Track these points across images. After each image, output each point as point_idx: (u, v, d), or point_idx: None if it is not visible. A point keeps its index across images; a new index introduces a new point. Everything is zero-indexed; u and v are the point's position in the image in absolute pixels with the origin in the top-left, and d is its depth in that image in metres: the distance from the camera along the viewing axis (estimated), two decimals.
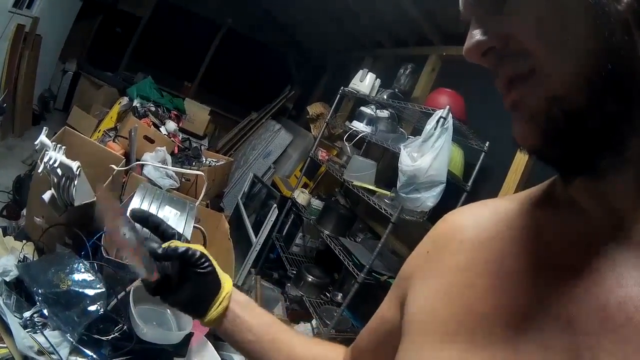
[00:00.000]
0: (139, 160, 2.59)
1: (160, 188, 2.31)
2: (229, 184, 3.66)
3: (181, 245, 0.58)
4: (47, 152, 1.27)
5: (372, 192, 2.16)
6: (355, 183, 2.23)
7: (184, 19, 5.45)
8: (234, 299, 0.59)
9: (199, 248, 0.59)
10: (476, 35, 0.34)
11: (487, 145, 1.97)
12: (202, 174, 2.32)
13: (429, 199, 1.75)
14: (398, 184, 1.82)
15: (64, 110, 4.70)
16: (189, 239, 1.66)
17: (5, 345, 1.15)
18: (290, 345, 0.60)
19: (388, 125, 2.47)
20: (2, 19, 3.15)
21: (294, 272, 2.77)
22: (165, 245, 0.58)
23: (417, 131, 2.32)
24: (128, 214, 0.60)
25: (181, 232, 1.60)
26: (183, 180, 2.46)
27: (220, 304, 0.57)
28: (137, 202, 1.54)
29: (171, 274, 0.57)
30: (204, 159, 2.66)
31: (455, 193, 1.95)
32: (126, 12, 5.19)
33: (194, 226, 1.63)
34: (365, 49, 3.78)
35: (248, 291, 2.68)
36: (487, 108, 1.70)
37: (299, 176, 3.15)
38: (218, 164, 2.67)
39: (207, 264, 0.57)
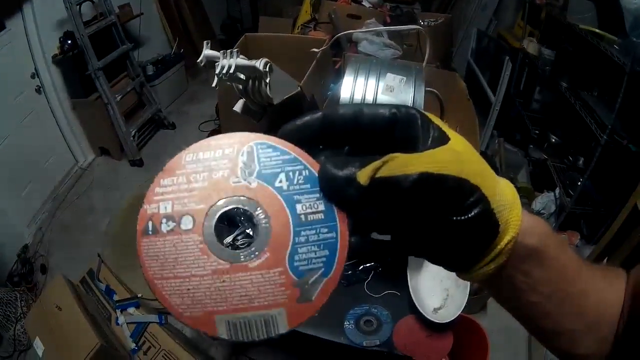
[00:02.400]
0: (351, 40, 2.48)
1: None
2: (455, 43, 3.39)
3: (415, 162, 0.26)
4: (217, 64, 1.17)
5: (600, 37, 1.94)
6: (581, 26, 2.05)
7: None
8: (521, 245, 0.30)
9: (454, 157, 0.27)
10: None
11: None
12: (420, 27, 2.09)
13: None
14: (626, 26, 1.62)
15: (254, 26, 4.98)
16: (421, 106, 1.47)
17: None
18: (580, 301, 0.34)
19: None
20: None
21: (537, 132, 2.52)
22: (372, 167, 0.26)
23: None
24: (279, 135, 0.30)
25: (410, 100, 1.42)
26: (404, 46, 2.27)
27: (492, 260, 0.30)
28: (349, 82, 1.41)
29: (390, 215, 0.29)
30: (420, 22, 2.42)
31: None
32: None
33: (425, 90, 1.42)
34: None
35: (492, 155, 2.51)
36: None
37: (522, 25, 2.73)
38: (437, 22, 2.41)
39: (477, 207, 0.27)
